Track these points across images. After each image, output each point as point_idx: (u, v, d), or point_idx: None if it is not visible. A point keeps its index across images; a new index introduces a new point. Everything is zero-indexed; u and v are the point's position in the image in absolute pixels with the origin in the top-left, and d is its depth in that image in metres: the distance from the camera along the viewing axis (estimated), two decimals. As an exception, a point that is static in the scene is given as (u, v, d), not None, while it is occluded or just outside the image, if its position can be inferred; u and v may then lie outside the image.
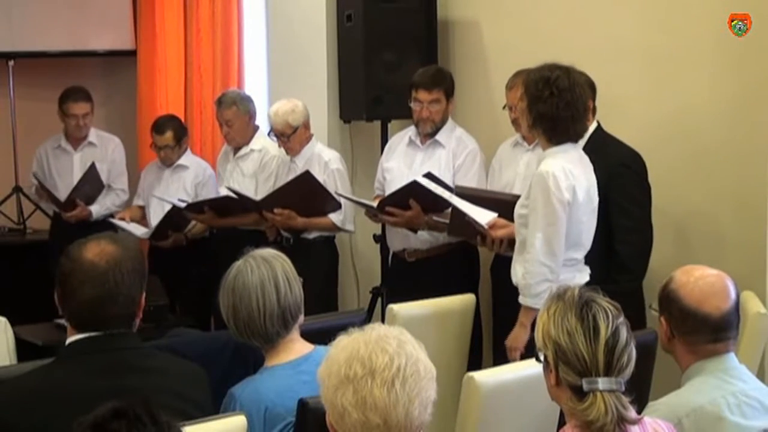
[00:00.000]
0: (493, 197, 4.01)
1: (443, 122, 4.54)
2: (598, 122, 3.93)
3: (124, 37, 6.59)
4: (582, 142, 3.69)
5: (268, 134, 5.17)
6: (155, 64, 6.39)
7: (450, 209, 4.10)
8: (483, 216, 3.81)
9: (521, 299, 3.45)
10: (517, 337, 3.47)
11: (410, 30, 5.04)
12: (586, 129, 3.49)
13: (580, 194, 3.37)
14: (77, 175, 5.60)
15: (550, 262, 3.36)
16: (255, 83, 6.04)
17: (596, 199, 3.49)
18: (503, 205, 3.75)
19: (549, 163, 3.37)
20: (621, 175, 3.76)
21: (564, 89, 3.33)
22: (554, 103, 3.34)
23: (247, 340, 2.64)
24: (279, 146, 4.96)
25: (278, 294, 2.60)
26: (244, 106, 5.17)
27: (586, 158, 3.50)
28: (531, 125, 3.45)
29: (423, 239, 4.54)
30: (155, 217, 5.36)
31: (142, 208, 5.58)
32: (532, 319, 3.35)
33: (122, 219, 5.44)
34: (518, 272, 3.50)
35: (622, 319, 2.10)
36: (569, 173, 3.35)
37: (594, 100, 3.86)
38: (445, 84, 4.50)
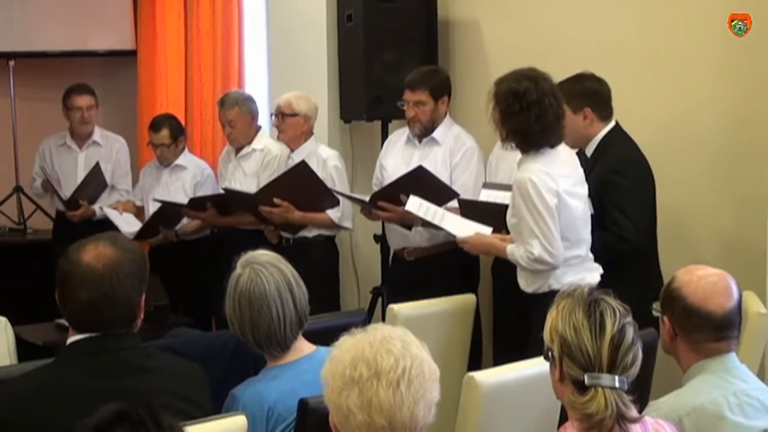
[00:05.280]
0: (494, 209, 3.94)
1: (433, 123, 4.51)
2: (616, 122, 3.86)
3: (124, 37, 6.59)
4: (593, 143, 3.75)
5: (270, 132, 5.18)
6: (155, 64, 6.39)
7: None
8: (461, 230, 3.84)
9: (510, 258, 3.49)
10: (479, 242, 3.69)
11: (410, 30, 5.04)
12: (562, 135, 3.46)
13: (564, 195, 3.39)
14: (81, 174, 5.58)
15: (552, 259, 3.38)
16: (255, 83, 6.03)
17: (585, 190, 3.50)
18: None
19: (525, 169, 3.40)
20: (611, 183, 3.69)
21: (533, 103, 3.35)
22: (525, 119, 3.36)
23: (265, 351, 2.60)
24: (277, 138, 4.93)
25: (294, 299, 2.57)
26: (247, 106, 5.16)
27: (566, 153, 3.51)
28: (504, 138, 3.48)
29: (422, 238, 4.53)
30: None
31: (137, 207, 5.56)
32: (500, 248, 3.53)
33: (115, 209, 5.43)
34: (523, 282, 3.53)
35: (629, 319, 2.11)
36: (547, 176, 3.36)
37: (610, 101, 3.84)
38: (430, 84, 4.46)
